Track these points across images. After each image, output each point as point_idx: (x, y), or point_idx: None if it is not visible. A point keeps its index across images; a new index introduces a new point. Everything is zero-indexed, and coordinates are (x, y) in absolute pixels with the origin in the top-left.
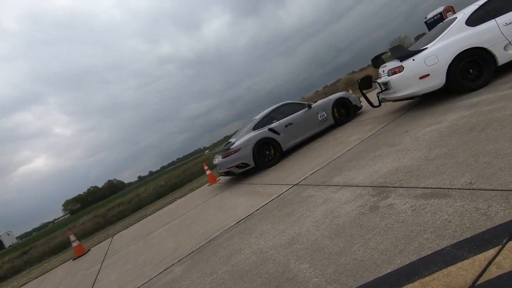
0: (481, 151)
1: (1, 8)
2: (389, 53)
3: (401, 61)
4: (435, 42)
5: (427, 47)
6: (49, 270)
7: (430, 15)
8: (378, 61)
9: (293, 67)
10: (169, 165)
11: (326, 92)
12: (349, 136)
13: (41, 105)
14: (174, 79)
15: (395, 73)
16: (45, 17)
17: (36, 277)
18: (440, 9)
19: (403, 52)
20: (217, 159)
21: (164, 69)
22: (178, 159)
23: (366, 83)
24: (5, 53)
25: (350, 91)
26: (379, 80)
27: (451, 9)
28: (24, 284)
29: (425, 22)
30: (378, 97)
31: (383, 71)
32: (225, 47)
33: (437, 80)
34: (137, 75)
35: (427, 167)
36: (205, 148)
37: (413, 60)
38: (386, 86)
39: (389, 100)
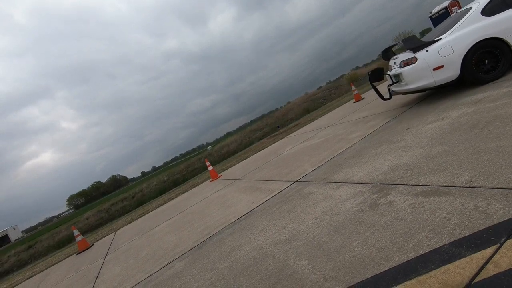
0: (482, 148)
1: (12, 3)
2: (400, 45)
3: (414, 52)
4: (449, 33)
5: (441, 38)
6: (54, 264)
7: (435, 10)
8: (388, 53)
9: (297, 62)
10: (172, 160)
11: (330, 87)
12: (351, 132)
13: (48, 100)
14: (179, 74)
15: (407, 64)
16: (52, 11)
17: (41, 271)
18: (446, 3)
19: (416, 43)
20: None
21: (170, 64)
22: (181, 154)
23: (377, 75)
24: (14, 48)
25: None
26: (390, 72)
27: (456, 4)
28: (29, 277)
29: (430, 17)
30: (389, 89)
31: (395, 63)
32: (231, 42)
33: (452, 72)
34: (142, 70)
35: (428, 164)
36: (207, 144)
37: (427, 51)
38: (397, 78)
39: (399, 93)
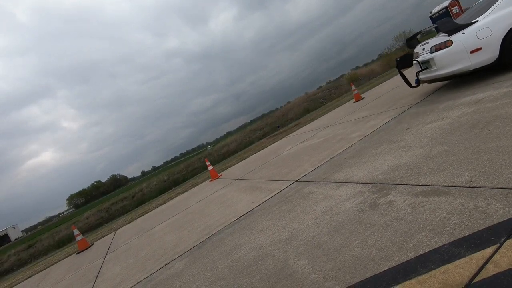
0: (482, 148)
1: (14, 1)
2: (429, 30)
3: (449, 36)
4: (486, 15)
5: (477, 20)
6: (54, 263)
7: (435, 10)
8: (413, 41)
9: (297, 61)
10: (172, 160)
11: (330, 87)
12: (351, 132)
13: (49, 99)
14: (180, 73)
15: (440, 49)
16: (54, 10)
17: (41, 270)
18: (446, 3)
19: (451, 25)
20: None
21: (171, 63)
22: (181, 154)
23: (405, 61)
24: (16, 47)
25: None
26: (418, 59)
27: (456, 4)
28: (29, 277)
29: (430, 17)
30: (417, 76)
31: (423, 49)
32: (232, 41)
33: (490, 54)
34: (143, 69)
35: (428, 164)
36: (207, 144)
37: (463, 33)
38: (426, 65)
39: (427, 80)
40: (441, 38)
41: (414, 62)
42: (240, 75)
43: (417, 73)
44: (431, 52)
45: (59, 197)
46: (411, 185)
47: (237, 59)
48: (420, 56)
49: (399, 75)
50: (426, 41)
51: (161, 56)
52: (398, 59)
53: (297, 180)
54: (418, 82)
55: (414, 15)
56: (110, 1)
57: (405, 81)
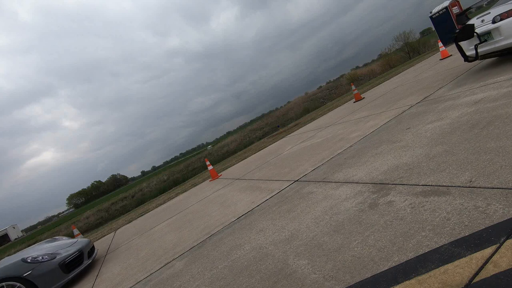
0: (482, 148)
1: (18, 1)
2: (481, 3)
3: None
4: None
5: None
6: None
7: (435, 10)
8: (462, 16)
9: (298, 61)
10: (172, 160)
11: (330, 87)
12: (351, 132)
13: (51, 98)
14: (182, 72)
15: (508, 16)
16: (56, 9)
17: None
18: (446, 3)
19: None
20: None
21: (172, 62)
22: (181, 154)
23: (467, 33)
24: (18, 46)
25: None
26: (477, 30)
27: (457, 4)
28: None
29: (430, 17)
30: (476, 49)
31: (482, 20)
32: (233, 40)
33: None
34: (145, 68)
35: (428, 164)
36: (208, 143)
37: None
38: (486, 37)
39: (483, 54)
40: (508, 5)
41: (475, 33)
42: (241, 74)
43: (476, 46)
44: (493, 22)
45: (59, 197)
46: (411, 185)
47: (238, 58)
48: (477, 28)
49: (401, 74)
50: (487, 12)
51: (163, 55)
52: (457, 30)
53: (297, 180)
54: (477, 55)
55: (415, 15)
56: (112, 0)
57: (461, 54)
